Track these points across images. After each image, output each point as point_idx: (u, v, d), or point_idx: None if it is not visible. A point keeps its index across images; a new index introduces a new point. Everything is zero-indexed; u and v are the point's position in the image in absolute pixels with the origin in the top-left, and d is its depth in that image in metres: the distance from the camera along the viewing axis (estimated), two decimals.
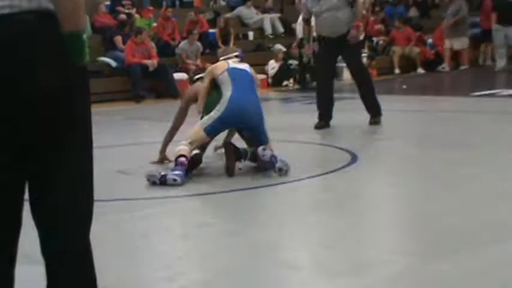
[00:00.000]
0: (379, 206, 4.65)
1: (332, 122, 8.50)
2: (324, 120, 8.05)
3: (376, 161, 5.97)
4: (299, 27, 12.10)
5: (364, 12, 16.94)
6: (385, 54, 16.60)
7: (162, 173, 5.25)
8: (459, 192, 4.67)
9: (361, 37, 7.73)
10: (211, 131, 5.48)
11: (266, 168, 5.38)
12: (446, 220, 3.99)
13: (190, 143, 5.42)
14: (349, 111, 10.09)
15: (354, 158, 5.90)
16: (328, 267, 3.36)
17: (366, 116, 8.47)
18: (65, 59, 1.94)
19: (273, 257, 3.53)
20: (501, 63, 14.83)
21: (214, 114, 5.45)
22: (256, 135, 5.52)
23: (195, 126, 5.56)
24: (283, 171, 5.27)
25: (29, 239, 2.12)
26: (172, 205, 4.84)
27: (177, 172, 5.22)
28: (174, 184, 5.14)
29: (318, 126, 7.91)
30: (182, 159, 5.28)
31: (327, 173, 5.41)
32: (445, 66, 16.16)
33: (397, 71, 16.08)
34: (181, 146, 5.40)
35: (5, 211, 2.03)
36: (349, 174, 5.40)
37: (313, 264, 3.45)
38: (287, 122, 9.55)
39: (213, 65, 5.91)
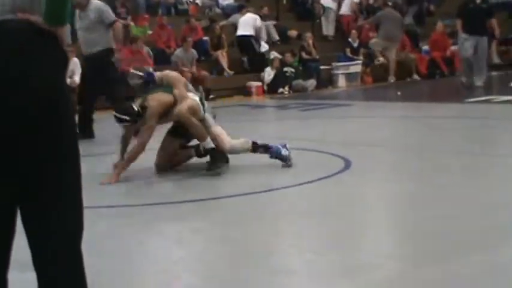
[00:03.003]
0: (372, 211, 4.67)
1: (326, 128, 8.52)
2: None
3: (370, 167, 6.00)
4: None
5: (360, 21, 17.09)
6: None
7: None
8: (451, 198, 4.70)
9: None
10: None
11: None
12: (438, 226, 4.02)
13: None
14: (343, 118, 10.17)
15: (347, 164, 5.93)
16: (320, 272, 3.39)
17: (359, 123, 8.53)
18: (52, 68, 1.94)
19: (267, 263, 3.55)
20: (481, 78, 12.83)
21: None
22: None
23: (218, 129, 6.02)
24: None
25: (20, 245, 2.14)
26: (166, 211, 4.86)
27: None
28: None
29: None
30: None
31: (320, 179, 5.44)
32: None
33: (392, 78, 16.11)
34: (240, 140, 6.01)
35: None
36: (343, 180, 5.43)
37: (305, 269, 3.47)
38: (281, 128, 9.62)
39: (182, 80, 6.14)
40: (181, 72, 13.36)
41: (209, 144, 5.83)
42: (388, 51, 15.99)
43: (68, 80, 12.03)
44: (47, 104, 1.93)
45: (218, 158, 5.84)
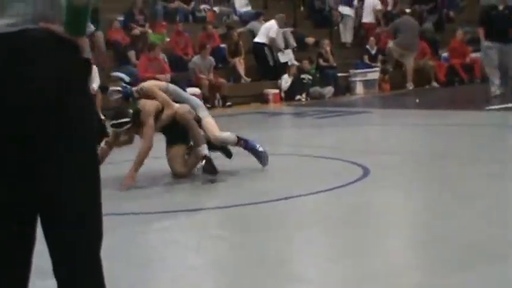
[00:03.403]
0: (389, 220, 4.61)
1: (343, 136, 8.48)
2: None
3: (388, 175, 5.93)
4: None
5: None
6: (399, 68, 16.56)
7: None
8: (471, 207, 4.62)
9: None
10: None
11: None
12: (457, 235, 3.95)
13: None
14: (360, 125, 10.11)
15: (365, 173, 5.87)
16: (336, 281, 3.35)
17: (377, 130, 8.46)
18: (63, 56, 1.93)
19: (284, 271, 3.53)
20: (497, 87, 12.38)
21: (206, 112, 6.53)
22: None
23: (209, 120, 6.28)
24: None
25: (42, 253, 2.13)
26: (183, 219, 4.85)
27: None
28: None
29: None
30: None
31: (337, 187, 5.38)
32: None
33: (410, 85, 16.01)
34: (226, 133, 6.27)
35: (18, 231, 2.03)
36: (360, 189, 5.38)
37: (322, 278, 3.43)
38: (298, 136, 9.58)
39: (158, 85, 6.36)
40: (199, 80, 13.47)
41: (204, 150, 5.96)
42: (405, 59, 15.90)
43: None
44: (64, 111, 1.92)
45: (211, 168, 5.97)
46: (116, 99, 6.15)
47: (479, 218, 4.33)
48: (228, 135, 6.29)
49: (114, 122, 5.94)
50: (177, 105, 6.08)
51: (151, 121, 5.92)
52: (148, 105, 5.97)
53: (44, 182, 1.96)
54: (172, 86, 6.46)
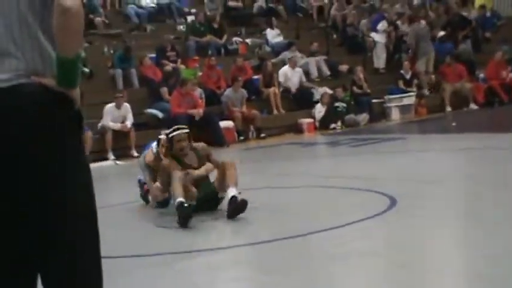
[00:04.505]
0: (415, 254, 4.38)
1: (376, 164, 8.25)
2: None
3: (417, 205, 5.71)
4: None
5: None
6: (436, 91, 16.29)
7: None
8: (506, 238, 4.37)
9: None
10: None
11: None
12: (492, 267, 3.73)
13: None
14: (394, 152, 9.89)
15: (392, 203, 5.67)
16: None
17: (411, 157, 8.21)
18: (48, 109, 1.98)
19: None
20: None
21: None
22: None
23: None
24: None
25: None
26: (200, 260, 4.70)
27: None
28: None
29: None
30: None
31: (362, 220, 5.20)
32: None
33: (448, 108, 15.72)
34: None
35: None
36: (386, 220, 5.18)
37: None
38: (330, 166, 9.40)
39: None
40: (232, 112, 13.44)
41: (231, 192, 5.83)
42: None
43: (119, 125, 12.17)
44: (50, 168, 1.97)
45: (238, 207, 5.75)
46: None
47: None
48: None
49: None
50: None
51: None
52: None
53: (37, 230, 1.98)
54: None
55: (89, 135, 11.73)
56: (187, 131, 6.24)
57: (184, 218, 5.52)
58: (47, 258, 2.01)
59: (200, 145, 6.36)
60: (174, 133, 6.20)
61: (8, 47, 1.97)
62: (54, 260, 2.00)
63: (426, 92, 16.01)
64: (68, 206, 2.00)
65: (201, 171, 6.10)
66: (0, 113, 1.94)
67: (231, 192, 5.76)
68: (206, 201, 6.08)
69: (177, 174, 5.81)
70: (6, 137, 1.93)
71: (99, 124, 12.26)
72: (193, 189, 5.91)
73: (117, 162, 11.51)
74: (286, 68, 15.06)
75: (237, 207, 5.70)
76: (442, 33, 17.14)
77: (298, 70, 15.16)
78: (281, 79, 14.84)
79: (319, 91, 14.82)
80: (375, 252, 4.38)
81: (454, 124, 12.71)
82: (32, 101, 1.95)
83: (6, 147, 1.93)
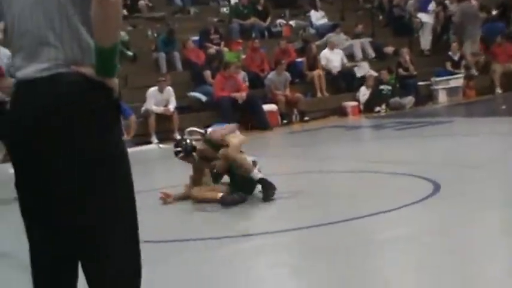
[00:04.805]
0: (460, 240, 4.26)
1: (421, 148, 8.10)
2: None
3: (461, 191, 5.56)
4: None
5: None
6: (485, 72, 15.90)
7: None
8: None
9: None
10: None
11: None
12: None
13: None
14: (440, 136, 9.69)
15: (436, 188, 5.55)
16: None
17: (457, 141, 7.99)
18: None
19: None
20: None
21: None
22: None
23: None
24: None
25: None
26: (243, 244, 4.68)
27: None
28: None
29: None
30: None
31: (406, 206, 5.10)
32: None
33: (498, 90, 15.33)
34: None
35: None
36: (429, 207, 5.07)
37: None
38: (374, 150, 9.27)
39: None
40: (275, 96, 13.37)
41: (257, 175, 5.83)
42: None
43: (162, 109, 12.22)
44: (88, 158, 1.98)
45: (268, 187, 5.79)
46: (180, 157, 6.33)
47: None
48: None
49: (174, 149, 6.35)
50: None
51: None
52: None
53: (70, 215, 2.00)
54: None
55: (132, 119, 11.84)
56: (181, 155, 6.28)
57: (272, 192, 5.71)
58: (84, 250, 2.04)
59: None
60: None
61: (47, 36, 1.99)
62: (92, 250, 2.04)
63: (474, 72, 15.64)
64: (108, 198, 2.01)
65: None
66: (40, 102, 1.96)
67: (257, 174, 5.82)
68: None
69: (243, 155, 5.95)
70: (47, 127, 1.94)
71: (143, 108, 12.33)
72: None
73: (161, 145, 11.57)
74: (326, 51, 14.90)
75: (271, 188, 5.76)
76: (494, 12, 16.66)
77: (339, 52, 14.97)
78: (322, 62, 14.69)
79: (362, 67, 14.62)
80: (418, 239, 4.29)
81: (503, 107, 12.39)
82: (71, 90, 1.97)
83: (47, 136, 1.95)
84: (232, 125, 6.50)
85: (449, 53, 15.67)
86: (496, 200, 5.31)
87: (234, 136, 6.11)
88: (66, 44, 1.99)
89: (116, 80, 2.05)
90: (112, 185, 2.01)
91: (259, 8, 16.57)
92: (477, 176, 6.20)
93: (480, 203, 5.11)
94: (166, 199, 6.19)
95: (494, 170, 6.44)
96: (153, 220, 5.49)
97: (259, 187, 5.91)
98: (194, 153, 6.21)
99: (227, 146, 5.94)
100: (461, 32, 15.89)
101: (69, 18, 1.99)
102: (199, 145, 6.22)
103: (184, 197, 6.25)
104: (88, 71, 1.99)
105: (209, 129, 6.30)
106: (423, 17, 16.65)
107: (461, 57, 15.66)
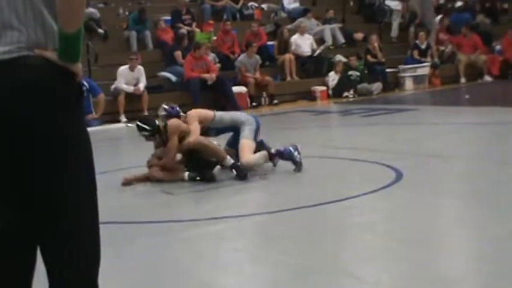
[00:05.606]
0: (416, 230, 4.41)
1: (386, 136, 8.27)
2: None
3: (422, 180, 5.74)
4: None
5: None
6: (451, 62, 16.18)
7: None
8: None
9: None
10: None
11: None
12: (494, 248, 3.74)
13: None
14: (405, 124, 9.88)
15: (398, 177, 5.71)
16: None
17: (422, 130, 8.15)
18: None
19: (306, 284, 3.41)
20: None
21: (251, 127, 6.37)
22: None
23: (244, 142, 6.28)
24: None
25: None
26: (206, 228, 4.77)
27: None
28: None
29: None
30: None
31: (366, 193, 5.25)
32: None
33: (462, 79, 15.64)
34: (255, 155, 6.24)
35: (18, 255, 2.07)
36: (390, 195, 5.22)
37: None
38: (339, 136, 9.44)
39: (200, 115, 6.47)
40: (245, 78, 13.45)
41: (229, 161, 6.14)
42: None
43: (132, 88, 12.22)
44: (48, 142, 1.96)
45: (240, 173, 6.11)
46: (162, 115, 6.43)
47: None
48: (258, 156, 6.28)
49: (138, 123, 6.46)
50: (195, 133, 6.25)
51: (174, 141, 6.23)
52: (175, 125, 6.25)
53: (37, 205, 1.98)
54: (219, 115, 6.54)
55: (101, 97, 11.81)
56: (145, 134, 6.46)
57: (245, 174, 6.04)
58: (46, 231, 2.02)
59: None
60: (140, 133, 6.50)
61: (10, 20, 1.97)
62: (54, 232, 2.02)
63: (437, 61, 15.86)
64: (68, 180, 2.00)
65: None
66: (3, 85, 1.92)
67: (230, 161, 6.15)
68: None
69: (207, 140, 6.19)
70: (5, 108, 1.92)
71: (112, 86, 12.31)
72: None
73: (129, 124, 11.58)
74: (296, 36, 14.99)
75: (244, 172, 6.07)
76: (459, 3, 16.91)
77: (308, 37, 15.08)
78: (292, 47, 14.79)
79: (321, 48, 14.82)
80: (375, 227, 4.42)
81: (467, 97, 12.64)
82: (33, 72, 1.94)
83: (5, 118, 1.93)
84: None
85: (417, 41, 15.91)
86: (455, 189, 5.47)
87: (191, 120, 6.33)
88: (30, 27, 1.97)
89: (79, 65, 2.04)
90: (73, 168, 2.00)
91: None
92: (439, 166, 6.39)
93: (439, 192, 5.29)
94: (128, 184, 6.19)
95: (457, 160, 6.64)
96: (118, 200, 5.56)
97: (234, 172, 6.13)
98: (157, 135, 6.38)
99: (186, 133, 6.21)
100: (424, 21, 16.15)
101: (33, 2, 1.97)
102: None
103: (146, 178, 6.32)
104: (52, 54, 1.97)
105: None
106: (392, 4, 16.84)
107: (428, 46, 15.91)
